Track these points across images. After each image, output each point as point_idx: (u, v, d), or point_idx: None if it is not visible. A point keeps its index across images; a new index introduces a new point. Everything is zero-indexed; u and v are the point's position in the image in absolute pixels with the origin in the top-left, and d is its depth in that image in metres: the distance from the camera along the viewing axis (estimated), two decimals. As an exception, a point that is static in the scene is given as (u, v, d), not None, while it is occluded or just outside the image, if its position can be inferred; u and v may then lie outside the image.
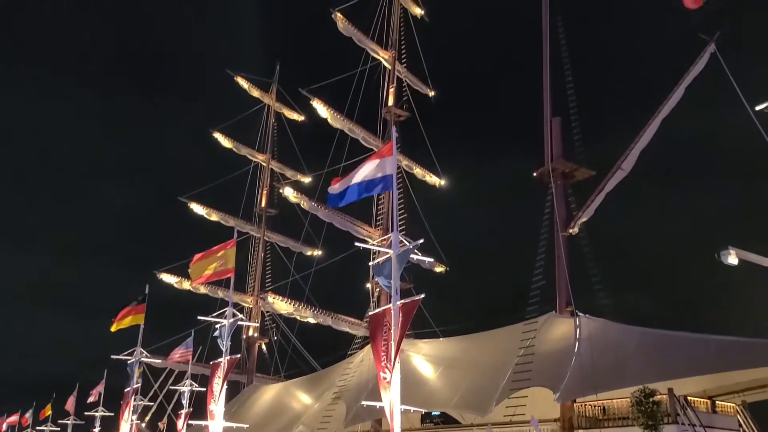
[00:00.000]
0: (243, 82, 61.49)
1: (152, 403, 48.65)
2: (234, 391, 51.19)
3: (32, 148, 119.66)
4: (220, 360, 28.58)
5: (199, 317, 29.32)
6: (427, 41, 50.12)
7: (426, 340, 38.63)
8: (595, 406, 27.00)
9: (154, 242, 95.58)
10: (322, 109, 46.15)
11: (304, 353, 51.91)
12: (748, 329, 26.01)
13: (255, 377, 54.76)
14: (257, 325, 55.71)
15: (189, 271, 30.72)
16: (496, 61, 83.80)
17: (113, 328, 36.56)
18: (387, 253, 17.23)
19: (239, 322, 29.42)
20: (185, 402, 37.70)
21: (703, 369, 24.69)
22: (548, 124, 33.16)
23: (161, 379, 48.56)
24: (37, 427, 63.32)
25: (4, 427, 68.44)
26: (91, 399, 51.88)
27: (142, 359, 38.09)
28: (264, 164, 61.75)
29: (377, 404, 16.40)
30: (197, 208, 57.05)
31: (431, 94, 50.08)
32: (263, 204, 60.30)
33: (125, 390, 38.87)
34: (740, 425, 27.08)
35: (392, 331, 16.17)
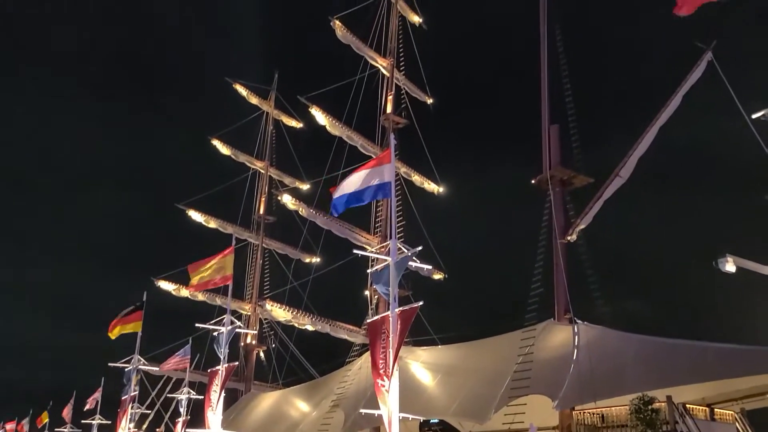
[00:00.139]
0: (242, 90, 61.61)
1: (150, 411, 48.39)
2: (232, 398, 51.11)
3: (32, 148, 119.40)
4: (217, 368, 28.52)
5: (196, 325, 29.18)
6: (426, 49, 50.42)
7: (424, 347, 38.57)
8: (593, 414, 26.90)
9: (153, 249, 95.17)
10: (320, 117, 46.26)
11: (302, 361, 51.92)
12: (746, 336, 26.06)
13: (253, 385, 54.63)
14: (255, 332, 55.59)
15: (190, 275, 30.71)
16: (495, 69, 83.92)
17: (112, 335, 36.57)
18: (385, 260, 17.26)
19: (237, 330, 29.42)
20: (183, 410, 37.64)
21: (702, 376, 24.58)
22: (546, 131, 33.16)
23: (159, 386, 48.49)
24: (34, 436, 63.27)
25: (1, 434, 68.24)
26: (88, 407, 51.74)
27: (140, 367, 38.06)
28: (262, 171, 61.83)
29: (375, 412, 16.38)
30: (195, 216, 56.98)
31: (429, 101, 50.17)
32: (262, 211, 60.36)
33: (123, 398, 38.80)
34: (739, 433, 27.06)
35: (390, 339, 16.16)
